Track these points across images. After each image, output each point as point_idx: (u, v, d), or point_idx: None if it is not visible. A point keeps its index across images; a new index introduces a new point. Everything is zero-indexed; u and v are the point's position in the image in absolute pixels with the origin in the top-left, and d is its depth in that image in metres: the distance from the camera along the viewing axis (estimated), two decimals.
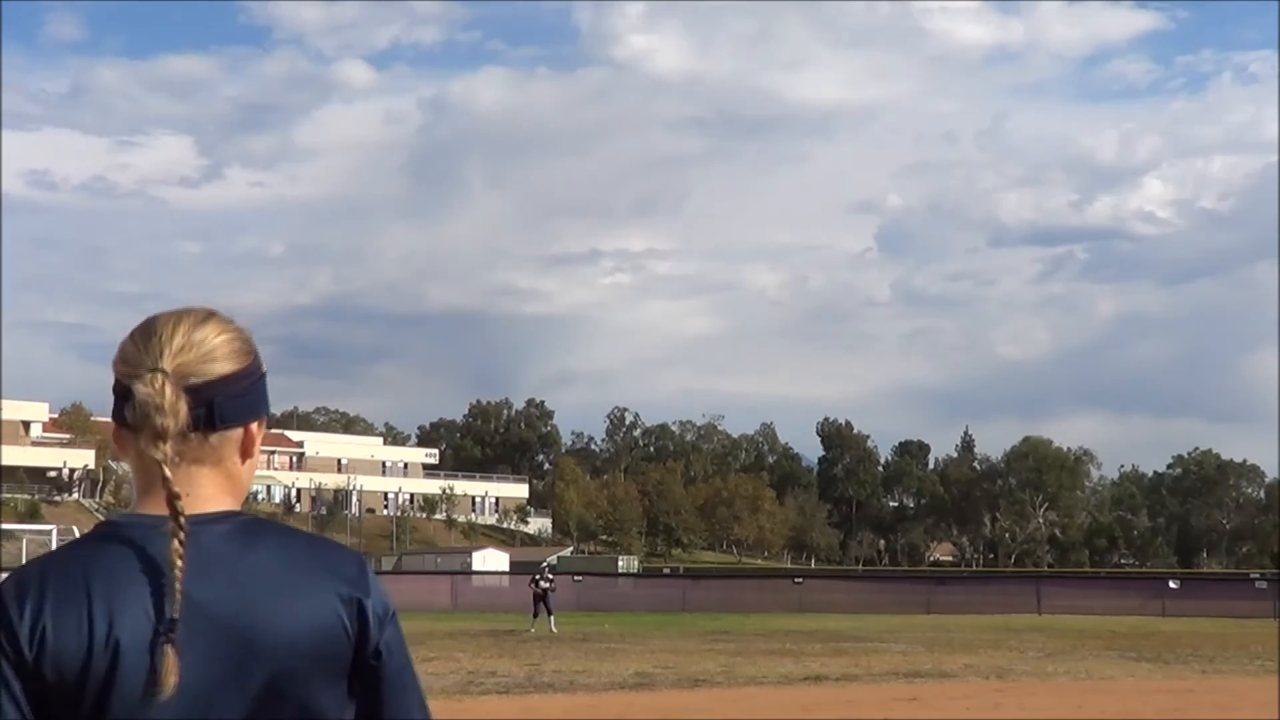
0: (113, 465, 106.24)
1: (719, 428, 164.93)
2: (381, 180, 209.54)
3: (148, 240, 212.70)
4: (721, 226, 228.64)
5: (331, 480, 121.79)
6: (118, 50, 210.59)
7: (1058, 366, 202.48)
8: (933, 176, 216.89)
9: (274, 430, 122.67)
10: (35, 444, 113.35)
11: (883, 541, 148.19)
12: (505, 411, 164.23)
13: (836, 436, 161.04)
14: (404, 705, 1.97)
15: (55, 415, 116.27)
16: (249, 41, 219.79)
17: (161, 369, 1.90)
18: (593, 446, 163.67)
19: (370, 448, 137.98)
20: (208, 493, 1.94)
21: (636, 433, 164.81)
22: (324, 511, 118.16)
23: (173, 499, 1.86)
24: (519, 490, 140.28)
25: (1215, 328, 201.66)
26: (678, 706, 18.53)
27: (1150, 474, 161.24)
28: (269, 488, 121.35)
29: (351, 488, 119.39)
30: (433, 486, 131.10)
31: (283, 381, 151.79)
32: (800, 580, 60.63)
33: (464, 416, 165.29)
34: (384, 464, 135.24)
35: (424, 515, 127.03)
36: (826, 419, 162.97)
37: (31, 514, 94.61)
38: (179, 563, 1.83)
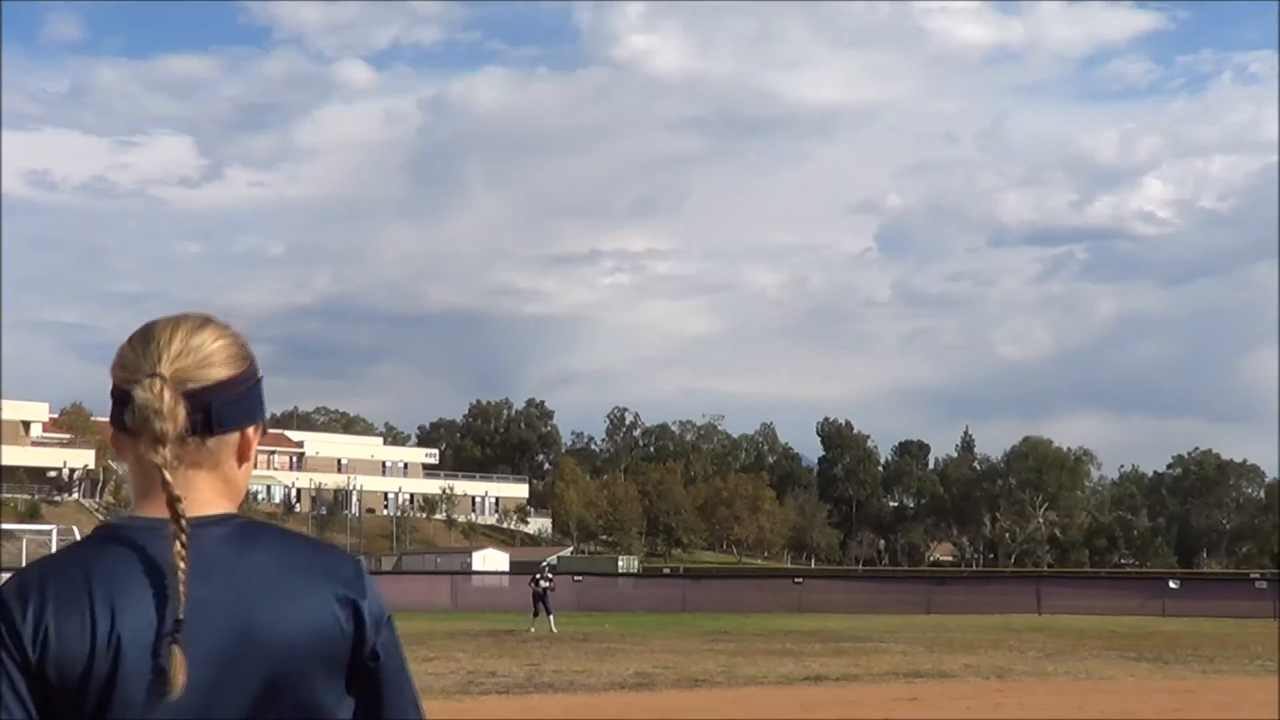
0: (113, 465, 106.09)
1: (719, 428, 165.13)
2: (381, 180, 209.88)
3: (148, 240, 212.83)
4: (721, 226, 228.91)
5: (331, 480, 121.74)
6: (118, 50, 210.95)
7: (1058, 366, 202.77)
8: (933, 176, 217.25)
9: (274, 430, 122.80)
10: (35, 444, 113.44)
11: (883, 541, 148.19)
12: (505, 411, 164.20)
13: (836, 436, 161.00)
14: (399, 706, 2.01)
15: (55, 415, 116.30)
16: (249, 41, 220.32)
17: (160, 374, 1.93)
18: (593, 446, 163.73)
19: (370, 448, 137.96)
20: (205, 496, 1.96)
21: (636, 433, 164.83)
22: (324, 511, 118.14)
23: (174, 502, 1.88)
24: (519, 490, 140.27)
25: (1215, 328, 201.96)
26: (678, 706, 18.54)
27: (1150, 474, 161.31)
28: (269, 488, 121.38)
29: (351, 488, 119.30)
30: (433, 486, 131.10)
31: (283, 381, 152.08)
32: (800, 580, 60.62)
33: (464, 416, 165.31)
34: (384, 464, 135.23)
35: (424, 515, 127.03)
36: (826, 419, 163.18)
37: (31, 514, 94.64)
38: (182, 565, 1.85)
